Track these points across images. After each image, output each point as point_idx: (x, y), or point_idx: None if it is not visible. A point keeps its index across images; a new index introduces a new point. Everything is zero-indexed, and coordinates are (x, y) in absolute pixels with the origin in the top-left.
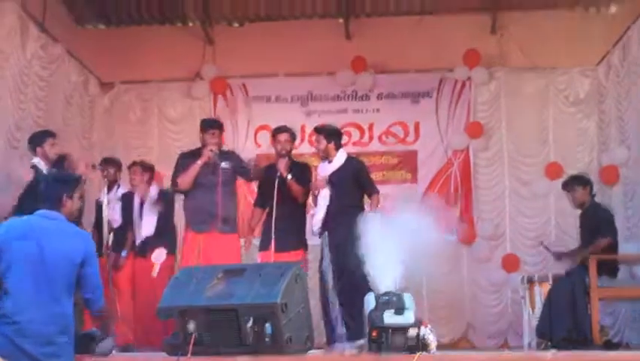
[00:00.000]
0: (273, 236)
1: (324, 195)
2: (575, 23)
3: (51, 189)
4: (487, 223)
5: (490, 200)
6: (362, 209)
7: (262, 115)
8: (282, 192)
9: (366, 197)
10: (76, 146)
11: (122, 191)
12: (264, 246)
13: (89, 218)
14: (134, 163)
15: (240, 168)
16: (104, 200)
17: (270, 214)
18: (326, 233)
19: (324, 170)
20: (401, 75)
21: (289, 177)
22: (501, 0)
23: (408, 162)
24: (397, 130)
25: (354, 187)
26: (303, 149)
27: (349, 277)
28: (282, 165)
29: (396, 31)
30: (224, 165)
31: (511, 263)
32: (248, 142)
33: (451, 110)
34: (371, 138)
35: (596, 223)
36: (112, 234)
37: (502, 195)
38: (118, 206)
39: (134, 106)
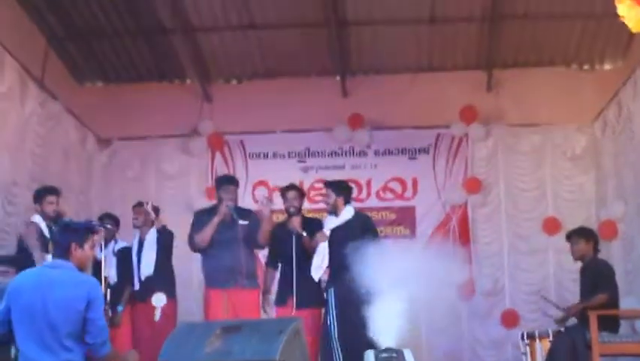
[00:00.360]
0: (295, 293)
1: (323, 245)
2: (570, 80)
3: (61, 237)
4: (486, 279)
5: (489, 255)
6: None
7: (260, 171)
8: (298, 249)
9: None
10: (74, 202)
11: (119, 246)
12: (281, 301)
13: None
14: (140, 203)
15: (254, 233)
16: (102, 256)
17: (286, 272)
18: (332, 289)
19: (331, 223)
20: (398, 131)
21: (304, 234)
22: (496, 57)
23: (406, 218)
24: (395, 186)
25: (360, 243)
26: (303, 205)
27: (353, 334)
28: (296, 222)
29: (393, 88)
30: (242, 222)
31: (510, 319)
32: (245, 198)
33: (448, 166)
34: (369, 193)
35: (596, 278)
36: (109, 290)
37: (500, 251)
38: (114, 262)
39: (131, 162)
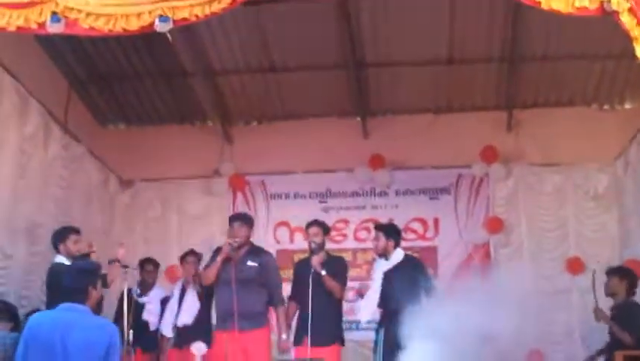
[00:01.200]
0: (310, 331)
1: (375, 287)
2: (590, 120)
3: (76, 281)
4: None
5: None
6: (419, 308)
7: (281, 211)
8: (317, 287)
9: None
10: (97, 242)
11: (159, 293)
12: (298, 340)
13: (107, 310)
14: (190, 253)
15: (265, 275)
16: (144, 299)
17: (303, 309)
18: (383, 330)
19: (381, 266)
20: (419, 172)
21: (323, 272)
22: (515, 97)
23: (428, 258)
24: (417, 226)
25: (411, 285)
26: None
27: None
28: (316, 260)
29: (413, 129)
30: (250, 263)
31: (536, 359)
32: (267, 238)
33: (469, 205)
34: None
35: (624, 319)
36: (131, 331)
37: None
38: (156, 308)
39: (153, 203)
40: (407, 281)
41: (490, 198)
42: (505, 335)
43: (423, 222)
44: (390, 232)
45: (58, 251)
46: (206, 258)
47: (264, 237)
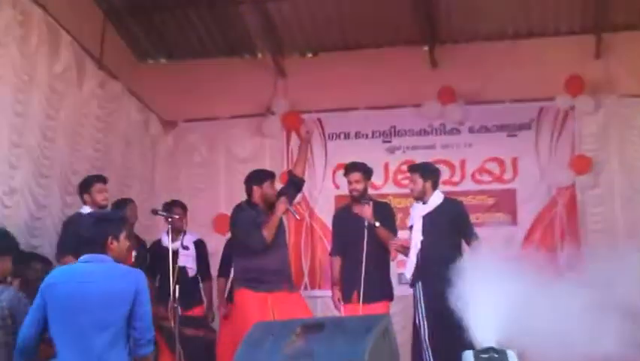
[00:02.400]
0: (362, 287)
1: (416, 240)
2: None
3: (94, 231)
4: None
5: (602, 244)
6: (460, 257)
7: (340, 153)
8: (371, 241)
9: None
10: (137, 190)
11: (190, 237)
12: (347, 297)
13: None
14: None
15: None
16: (177, 247)
17: (352, 263)
18: (420, 283)
19: (418, 211)
20: (495, 106)
21: (377, 224)
22: (605, 19)
23: (506, 203)
24: (493, 167)
25: (452, 232)
26: (388, 189)
27: (446, 333)
28: (368, 212)
29: (488, 58)
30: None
31: None
32: (325, 183)
33: (552, 143)
34: (463, 176)
35: None
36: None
37: (615, 238)
38: (192, 254)
39: (199, 146)
40: (447, 227)
41: (576, 135)
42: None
43: (500, 162)
44: (427, 172)
45: (84, 202)
46: None
47: (321, 182)
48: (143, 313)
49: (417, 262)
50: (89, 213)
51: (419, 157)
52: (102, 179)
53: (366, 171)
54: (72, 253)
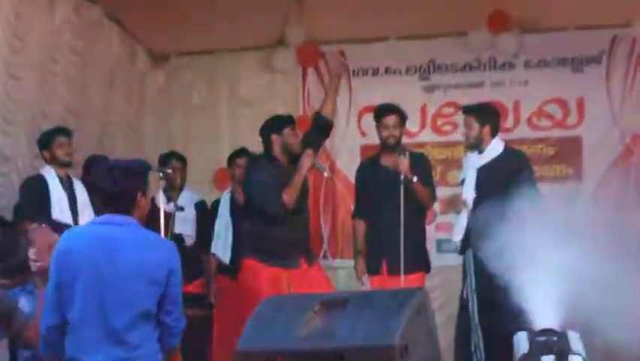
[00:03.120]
0: (394, 255)
1: (467, 198)
2: None
3: (123, 185)
4: None
5: None
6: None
7: (368, 93)
8: (409, 199)
9: None
10: (121, 139)
11: (189, 198)
12: (375, 268)
13: None
14: (240, 153)
15: None
16: (171, 208)
17: (383, 227)
18: (470, 251)
19: (472, 163)
20: (557, 34)
21: (415, 179)
22: None
23: (569, 153)
24: (554, 109)
25: (515, 188)
26: (425, 136)
27: (499, 310)
28: (405, 164)
29: None
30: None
31: None
32: (350, 129)
33: (628, 80)
34: (517, 120)
35: None
36: None
37: None
38: (190, 217)
39: (196, 84)
40: (508, 182)
41: None
42: None
43: (562, 103)
44: (486, 114)
45: (45, 160)
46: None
47: (345, 127)
48: (177, 295)
49: (468, 224)
50: (109, 162)
51: (464, 98)
52: (64, 132)
53: (403, 115)
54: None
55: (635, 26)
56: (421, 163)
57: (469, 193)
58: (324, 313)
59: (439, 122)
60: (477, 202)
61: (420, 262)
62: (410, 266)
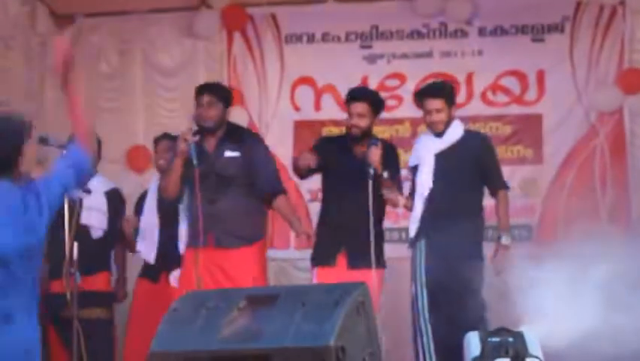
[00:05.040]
0: (353, 247)
1: (423, 186)
2: None
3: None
4: None
5: None
6: (479, 210)
7: (302, 62)
8: (375, 191)
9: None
10: (20, 110)
11: (102, 183)
12: (323, 259)
13: None
14: (164, 136)
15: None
16: (76, 195)
17: (335, 213)
18: (423, 242)
19: (429, 147)
20: None
21: (385, 174)
22: None
23: (528, 133)
24: (511, 83)
25: (473, 176)
26: None
27: (450, 307)
28: (376, 155)
29: None
30: (229, 153)
31: None
32: (281, 103)
33: (594, 51)
34: (470, 95)
35: None
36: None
37: None
38: (101, 207)
39: (106, 50)
40: (468, 169)
41: (627, 40)
42: None
43: (521, 76)
44: (451, 95)
45: None
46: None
47: (276, 101)
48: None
49: (422, 213)
50: None
51: (410, 69)
52: None
53: (375, 103)
54: None
55: None
56: (390, 155)
57: (425, 181)
58: (250, 310)
59: (382, 95)
60: (435, 191)
61: (380, 255)
62: (372, 260)
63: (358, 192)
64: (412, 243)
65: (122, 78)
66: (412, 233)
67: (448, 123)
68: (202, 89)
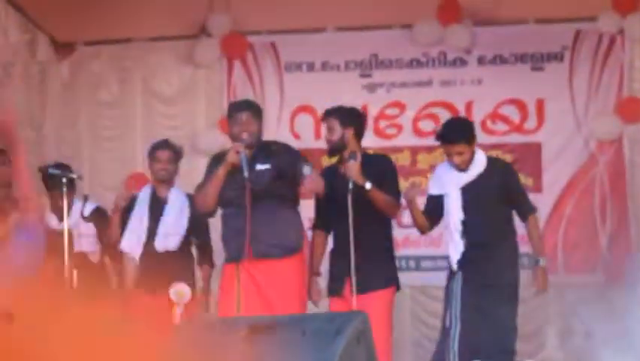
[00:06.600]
0: (353, 273)
1: (455, 220)
2: None
3: None
4: None
5: None
6: (514, 236)
7: (302, 90)
8: (360, 206)
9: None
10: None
11: (86, 209)
12: (336, 288)
13: None
14: (165, 144)
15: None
16: (70, 223)
17: (340, 241)
18: (461, 273)
19: (452, 180)
20: (515, 28)
21: (368, 185)
22: None
23: (528, 161)
24: (510, 112)
25: (500, 204)
26: (366, 141)
27: (483, 337)
28: (354, 169)
29: None
30: (260, 166)
31: None
32: (281, 131)
33: (593, 80)
34: None
35: None
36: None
37: None
38: (88, 231)
39: (106, 78)
40: (496, 199)
41: (626, 69)
42: None
43: (520, 105)
44: (473, 133)
45: None
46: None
47: (276, 128)
48: None
49: (464, 246)
50: None
51: (410, 98)
52: None
53: (347, 115)
54: None
55: (600, 20)
56: (381, 165)
57: (456, 215)
58: (250, 340)
59: (382, 124)
60: (467, 224)
61: (384, 277)
62: (377, 282)
63: (344, 212)
64: (450, 272)
65: (122, 106)
66: (454, 266)
67: (470, 160)
68: (240, 107)
